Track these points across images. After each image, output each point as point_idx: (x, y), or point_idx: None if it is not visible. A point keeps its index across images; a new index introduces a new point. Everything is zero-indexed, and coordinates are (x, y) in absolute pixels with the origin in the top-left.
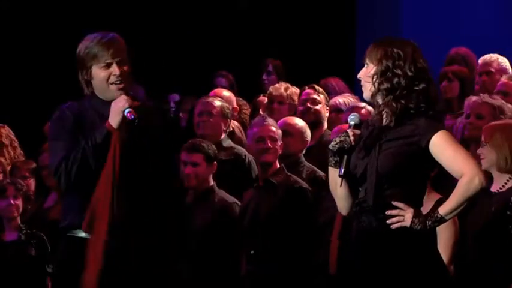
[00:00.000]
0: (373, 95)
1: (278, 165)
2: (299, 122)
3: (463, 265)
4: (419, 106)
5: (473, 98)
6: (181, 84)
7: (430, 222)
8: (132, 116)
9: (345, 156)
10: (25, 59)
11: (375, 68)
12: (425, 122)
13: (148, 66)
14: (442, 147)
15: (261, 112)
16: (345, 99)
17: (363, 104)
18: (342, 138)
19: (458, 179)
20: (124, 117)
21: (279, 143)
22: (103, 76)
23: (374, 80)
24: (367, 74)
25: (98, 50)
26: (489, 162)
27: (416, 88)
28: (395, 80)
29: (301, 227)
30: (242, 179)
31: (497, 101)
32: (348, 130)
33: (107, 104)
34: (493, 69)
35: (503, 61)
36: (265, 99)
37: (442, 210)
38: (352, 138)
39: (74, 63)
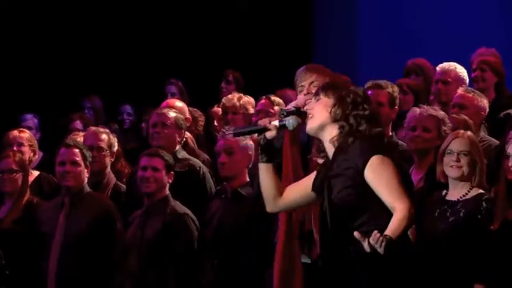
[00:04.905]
0: (322, 127)
1: (247, 179)
2: None
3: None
4: (356, 130)
5: (418, 111)
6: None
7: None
8: None
9: None
10: (25, 60)
11: (331, 101)
12: (359, 148)
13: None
14: (374, 175)
15: (215, 123)
16: None
17: None
18: None
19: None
20: None
21: (236, 156)
22: None
23: (330, 113)
24: (319, 106)
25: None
26: (465, 171)
27: (355, 112)
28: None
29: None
30: (197, 191)
31: (440, 112)
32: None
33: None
34: (450, 79)
35: (462, 71)
36: (220, 110)
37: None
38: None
39: (74, 64)
